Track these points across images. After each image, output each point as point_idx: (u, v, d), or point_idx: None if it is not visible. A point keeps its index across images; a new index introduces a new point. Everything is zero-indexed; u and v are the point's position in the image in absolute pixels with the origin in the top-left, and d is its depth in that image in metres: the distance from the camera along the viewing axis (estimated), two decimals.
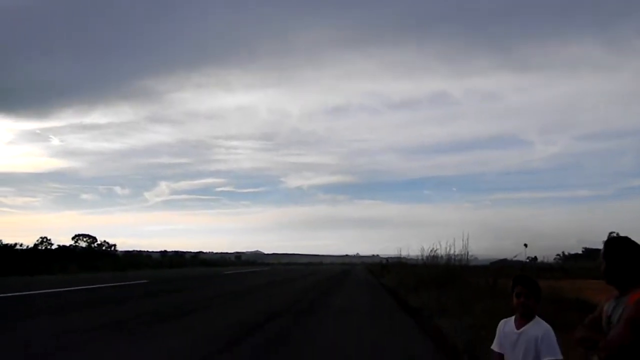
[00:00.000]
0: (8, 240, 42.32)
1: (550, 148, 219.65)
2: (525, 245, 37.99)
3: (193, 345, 7.49)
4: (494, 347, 3.03)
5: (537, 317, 2.88)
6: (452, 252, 18.67)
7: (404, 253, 33.48)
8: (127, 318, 10.11)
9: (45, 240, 53.86)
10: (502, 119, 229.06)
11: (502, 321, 3.06)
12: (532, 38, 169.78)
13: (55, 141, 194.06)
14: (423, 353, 7.37)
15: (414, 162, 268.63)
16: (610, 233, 2.54)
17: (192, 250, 79.93)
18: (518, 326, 2.90)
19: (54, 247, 52.78)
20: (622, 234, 2.59)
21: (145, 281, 23.02)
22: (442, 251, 19.63)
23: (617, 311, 2.38)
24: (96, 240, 63.31)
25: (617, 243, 2.48)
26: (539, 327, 2.81)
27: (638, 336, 2.22)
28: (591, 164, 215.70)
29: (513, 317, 2.99)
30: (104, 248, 61.87)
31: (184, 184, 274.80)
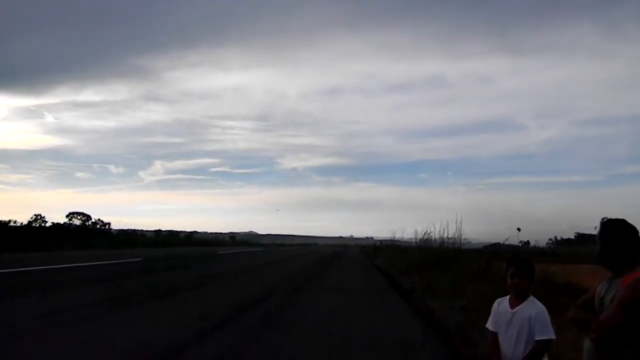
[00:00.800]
0: (2, 216, 42.26)
1: (545, 133, 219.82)
2: (518, 229, 38.41)
3: (187, 322, 7.54)
4: (489, 325, 3.09)
5: (531, 297, 2.93)
6: (445, 235, 18.83)
7: (397, 236, 33.67)
8: (122, 295, 10.15)
9: (39, 217, 53.86)
10: (497, 103, 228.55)
11: (497, 301, 3.11)
12: (529, 22, 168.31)
13: (49, 118, 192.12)
14: (414, 332, 7.46)
15: (409, 145, 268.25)
16: (603, 219, 2.54)
17: (186, 230, 79.91)
18: (512, 306, 2.94)
19: (48, 224, 52.73)
20: None
21: (139, 259, 23.08)
22: (435, 234, 19.80)
23: (610, 293, 2.40)
24: (90, 219, 63.48)
25: (613, 225, 2.49)
26: (533, 307, 2.86)
27: (630, 318, 2.24)
28: (585, 150, 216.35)
29: (508, 297, 3.03)
30: (98, 226, 62.02)
31: (179, 164, 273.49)
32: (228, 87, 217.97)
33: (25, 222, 46.80)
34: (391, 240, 36.96)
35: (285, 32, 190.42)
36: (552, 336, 2.78)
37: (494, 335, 3.03)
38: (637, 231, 2.43)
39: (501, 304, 3.05)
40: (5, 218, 41.82)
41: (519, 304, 2.90)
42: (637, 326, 2.24)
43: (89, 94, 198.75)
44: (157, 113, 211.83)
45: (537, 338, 2.76)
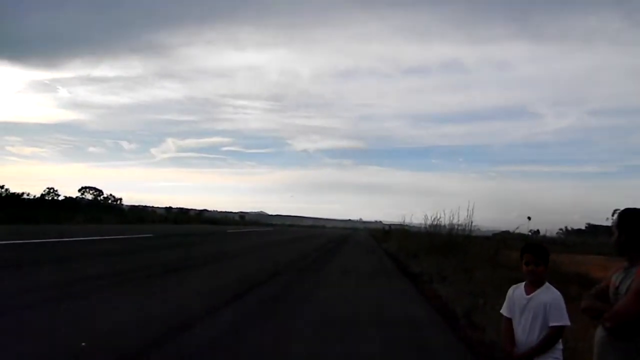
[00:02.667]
0: (15, 189, 42.87)
1: (561, 121, 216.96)
2: (529, 218, 38.11)
3: (199, 297, 7.66)
4: (503, 311, 3.09)
5: (547, 283, 2.93)
6: (455, 221, 18.78)
7: (407, 220, 33.68)
8: (132, 269, 10.29)
9: (52, 190, 54.43)
10: (514, 90, 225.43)
11: (512, 287, 3.12)
12: (550, 7, 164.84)
13: (63, 92, 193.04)
14: (421, 314, 7.49)
15: (422, 129, 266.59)
16: (615, 210, 2.50)
17: (197, 208, 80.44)
18: (528, 292, 2.95)
19: (60, 198, 53.44)
20: None
21: (150, 235, 23.36)
22: (445, 220, 19.75)
23: (626, 282, 2.37)
24: (102, 194, 64.09)
25: (630, 214, 2.45)
26: (548, 293, 2.87)
27: None
28: (600, 140, 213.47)
29: (523, 283, 3.04)
30: (109, 201, 62.61)
31: (191, 142, 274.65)
32: (242, 66, 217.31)
33: (38, 195, 47.54)
34: (400, 224, 37.03)
35: (301, 12, 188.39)
36: (567, 322, 2.79)
37: (508, 320, 3.04)
38: None
39: (516, 290, 3.06)
40: (18, 190, 42.53)
41: (534, 291, 2.92)
42: None
43: (104, 69, 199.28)
44: (170, 90, 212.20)
45: (552, 324, 2.77)
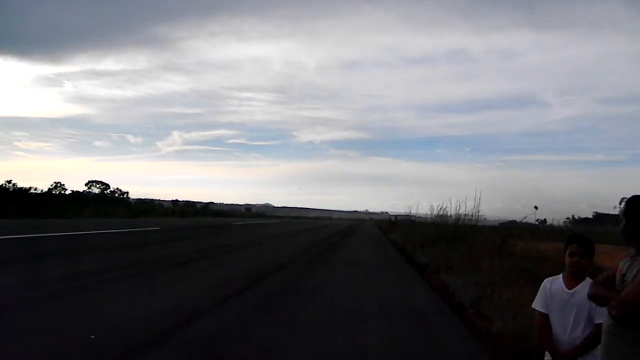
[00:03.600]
0: (22, 183, 43.15)
1: (568, 110, 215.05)
2: (536, 207, 37.94)
3: (209, 289, 7.73)
4: (537, 306, 2.90)
5: (587, 278, 2.74)
6: (461, 211, 18.74)
7: (413, 211, 33.63)
8: (141, 262, 10.38)
9: (59, 185, 54.76)
10: (521, 79, 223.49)
11: (548, 280, 2.92)
12: None
13: (68, 86, 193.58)
14: (428, 304, 7.51)
15: (428, 120, 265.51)
16: (623, 198, 2.47)
17: (203, 201, 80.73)
18: (569, 286, 2.77)
19: (67, 192, 53.77)
20: None
21: (157, 228, 23.49)
22: (451, 210, 19.71)
23: (632, 270, 2.35)
24: (109, 187, 64.37)
25: (638, 202, 2.43)
26: None
27: None
28: (608, 128, 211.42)
29: (560, 276, 2.86)
30: (116, 195, 62.91)
31: (196, 135, 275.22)
32: (246, 58, 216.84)
33: (45, 189, 47.86)
34: (407, 215, 36.97)
35: (306, 3, 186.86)
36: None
37: (544, 316, 2.85)
38: None
39: (554, 284, 2.85)
40: (26, 185, 42.82)
41: (576, 285, 2.73)
42: None
43: (108, 63, 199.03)
44: (175, 83, 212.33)
45: (598, 321, 2.55)
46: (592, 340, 2.60)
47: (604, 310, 2.51)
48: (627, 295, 2.29)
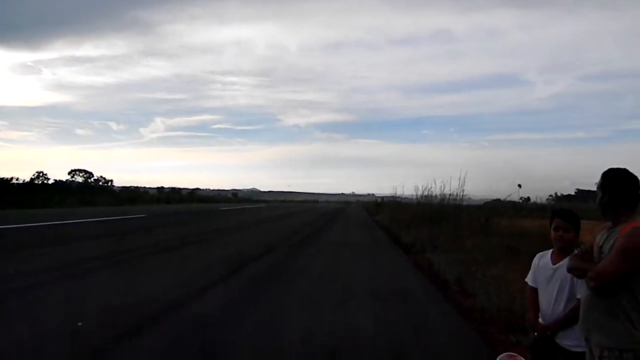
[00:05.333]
0: (4, 174, 42.37)
1: (551, 88, 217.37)
2: (519, 185, 38.28)
3: (194, 275, 7.73)
4: (528, 280, 2.94)
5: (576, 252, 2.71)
6: (446, 191, 18.91)
7: (399, 192, 33.89)
8: (129, 249, 10.33)
9: (41, 174, 53.87)
10: (504, 58, 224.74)
11: (538, 255, 2.94)
12: None
13: (47, 74, 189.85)
14: (413, 283, 7.62)
15: (413, 101, 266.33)
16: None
17: (189, 187, 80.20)
18: (554, 261, 2.79)
19: (50, 181, 52.93)
20: None
21: (143, 215, 23.34)
22: (436, 190, 19.89)
23: (609, 242, 2.40)
24: (92, 176, 63.42)
25: (614, 174, 2.47)
26: None
27: (627, 266, 2.26)
28: (590, 106, 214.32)
29: (550, 251, 2.87)
30: (100, 183, 62.10)
31: (180, 120, 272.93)
32: (229, 41, 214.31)
33: (27, 179, 47.03)
34: (392, 196, 37.24)
35: None
36: None
37: (533, 290, 2.89)
38: (638, 180, 2.41)
39: (542, 259, 2.87)
40: (7, 175, 42.04)
41: (561, 260, 2.73)
42: (635, 274, 2.27)
43: (87, 49, 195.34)
44: (156, 68, 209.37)
45: (580, 296, 2.55)
46: (573, 315, 2.62)
47: (585, 285, 2.56)
48: (603, 267, 2.35)
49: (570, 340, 2.67)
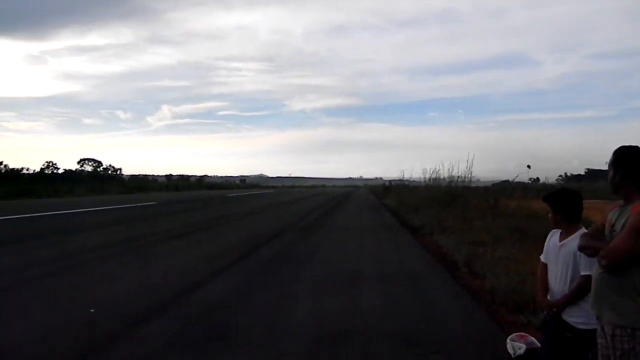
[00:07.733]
0: (14, 164, 42.77)
1: (559, 67, 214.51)
2: (529, 166, 38.02)
3: (207, 259, 7.85)
4: (542, 257, 3.03)
5: (579, 230, 2.79)
6: (454, 173, 18.81)
7: (407, 175, 33.81)
8: (142, 236, 10.46)
9: (51, 164, 54.31)
10: (511, 37, 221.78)
11: (551, 232, 3.02)
12: None
13: (54, 64, 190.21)
14: (422, 265, 7.63)
15: (419, 83, 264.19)
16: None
17: (197, 174, 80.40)
18: (561, 238, 2.87)
19: (60, 171, 53.38)
20: None
21: (153, 203, 23.50)
22: (444, 173, 19.79)
23: (621, 220, 2.38)
24: (101, 164, 63.84)
25: (625, 152, 2.43)
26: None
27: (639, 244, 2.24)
28: (599, 84, 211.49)
29: (560, 230, 2.94)
30: (109, 172, 62.50)
31: (187, 108, 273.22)
32: (233, 27, 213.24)
33: (37, 169, 47.51)
34: (400, 180, 37.17)
35: None
36: None
37: (544, 266, 2.98)
38: None
39: (553, 236, 2.96)
40: (18, 166, 42.45)
41: (565, 238, 2.83)
42: None
43: (93, 38, 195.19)
44: (162, 56, 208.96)
45: (583, 273, 2.65)
46: (578, 291, 2.68)
47: (589, 262, 2.55)
48: (615, 245, 2.32)
49: (576, 318, 2.72)
